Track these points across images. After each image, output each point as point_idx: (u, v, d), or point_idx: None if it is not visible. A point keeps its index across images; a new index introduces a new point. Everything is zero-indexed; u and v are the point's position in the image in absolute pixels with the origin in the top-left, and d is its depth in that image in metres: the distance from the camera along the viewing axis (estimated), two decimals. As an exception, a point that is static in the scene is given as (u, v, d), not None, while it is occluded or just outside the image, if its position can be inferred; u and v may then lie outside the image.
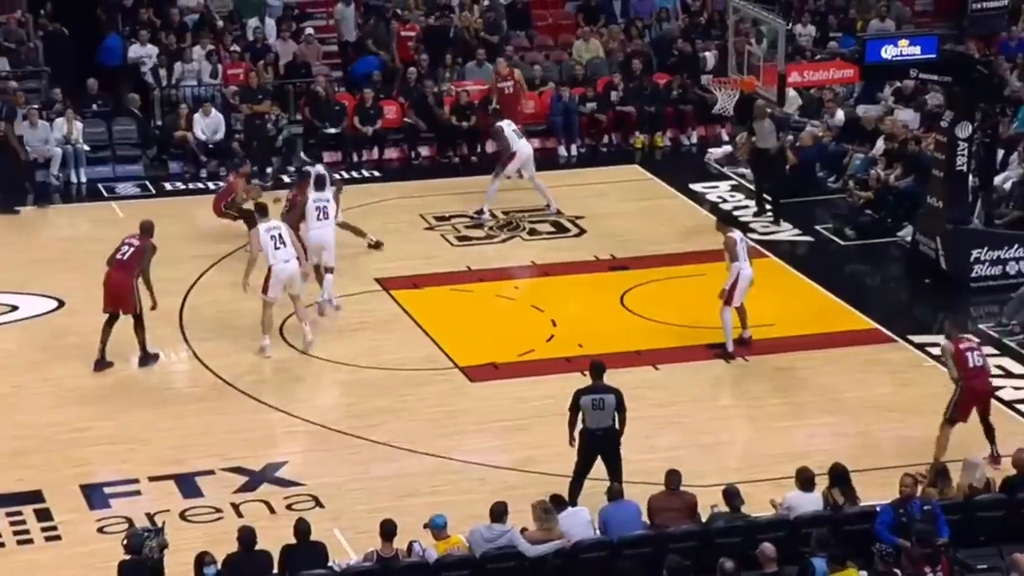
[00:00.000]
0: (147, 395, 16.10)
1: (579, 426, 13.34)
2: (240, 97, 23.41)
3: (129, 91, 23.14)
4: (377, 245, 19.66)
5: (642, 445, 14.18)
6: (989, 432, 14.17)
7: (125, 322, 16.63)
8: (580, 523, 12.16)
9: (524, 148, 20.86)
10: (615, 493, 12.52)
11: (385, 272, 19.16)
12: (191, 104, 23.60)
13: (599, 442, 13.24)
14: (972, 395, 14.00)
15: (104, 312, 16.45)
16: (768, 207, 21.40)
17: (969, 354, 14.04)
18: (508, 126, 20.98)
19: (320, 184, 17.92)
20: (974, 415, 14.23)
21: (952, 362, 14.04)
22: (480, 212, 20.80)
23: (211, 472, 14.33)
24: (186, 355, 17.03)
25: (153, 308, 16.46)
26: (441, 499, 13.66)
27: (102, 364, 16.47)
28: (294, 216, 18.00)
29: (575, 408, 13.30)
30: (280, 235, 16.68)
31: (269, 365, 16.60)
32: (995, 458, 14.04)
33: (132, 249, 16.56)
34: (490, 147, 23.98)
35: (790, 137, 22.43)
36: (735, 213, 21.36)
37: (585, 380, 15.81)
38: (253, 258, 16.79)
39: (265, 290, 16.73)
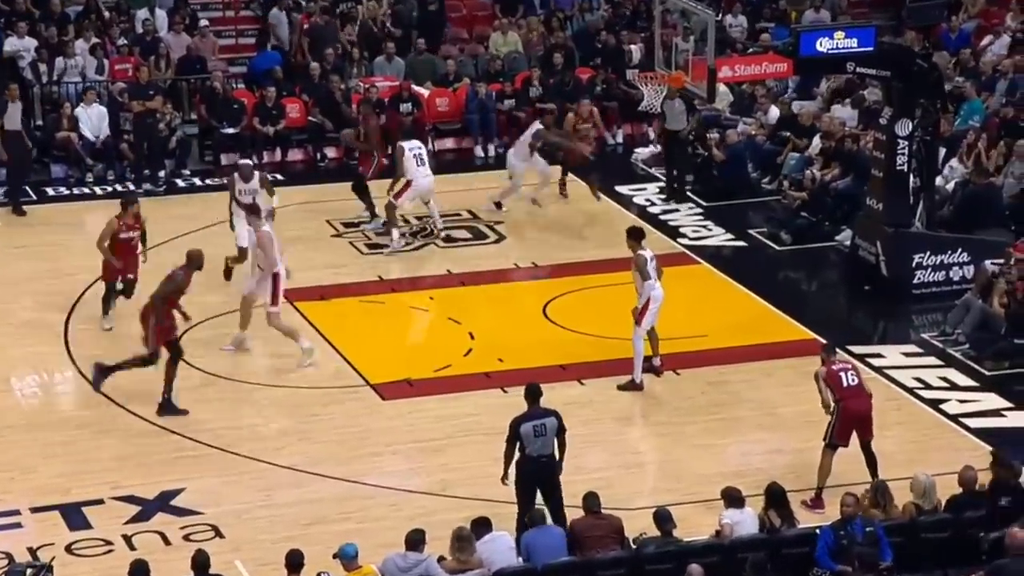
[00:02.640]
0: (28, 418, 15.93)
1: (515, 456, 13.28)
2: (129, 94, 23.21)
3: (4, 87, 22.78)
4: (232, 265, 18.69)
5: (567, 466, 14.16)
6: (871, 462, 14.19)
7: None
8: (501, 549, 12.19)
9: (423, 180, 20.14)
10: (537, 518, 12.56)
11: (289, 282, 19.06)
12: (75, 102, 23.36)
13: (542, 470, 13.20)
14: (849, 416, 14.09)
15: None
16: (677, 188, 22.00)
17: (843, 374, 14.19)
18: (411, 149, 20.24)
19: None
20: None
21: (824, 385, 14.19)
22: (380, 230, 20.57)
23: (100, 501, 14.21)
24: (72, 374, 16.87)
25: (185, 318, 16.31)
26: (352, 526, 13.65)
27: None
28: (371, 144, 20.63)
29: (513, 439, 13.22)
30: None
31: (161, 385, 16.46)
32: (818, 499, 14.01)
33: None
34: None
35: (715, 134, 22.69)
36: (663, 217, 21.60)
37: (506, 398, 15.97)
38: (271, 267, 16.80)
39: (276, 301, 16.79)
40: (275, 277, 16.83)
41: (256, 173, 18.71)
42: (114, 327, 17.58)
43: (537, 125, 21.48)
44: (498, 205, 21.41)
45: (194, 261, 16.14)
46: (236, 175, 18.64)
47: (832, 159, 21.61)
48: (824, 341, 15.63)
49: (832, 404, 14.13)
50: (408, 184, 20.04)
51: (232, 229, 18.57)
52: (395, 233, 20.15)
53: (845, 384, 14.15)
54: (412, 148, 20.19)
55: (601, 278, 19.07)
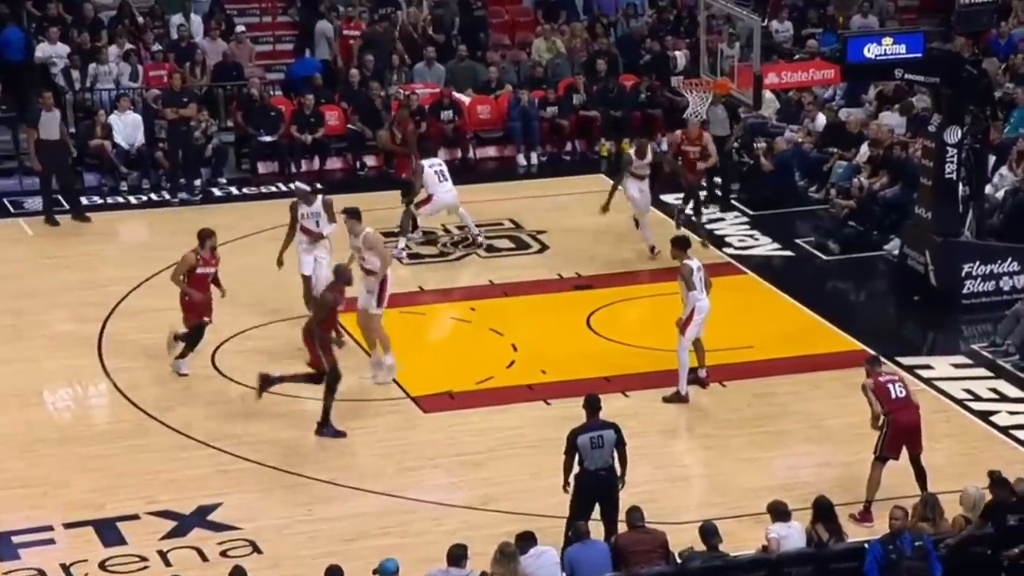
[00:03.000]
0: (62, 432, 16.02)
1: (575, 469, 13.34)
2: (163, 101, 23.37)
3: (37, 94, 22.47)
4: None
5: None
6: (920, 475, 14.19)
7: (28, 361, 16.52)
8: (547, 565, 12.24)
9: (444, 195, 20.31)
10: (580, 532, 12.62)
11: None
12: (108, 109, 23.53)
13: (601, 483, 13.28)
14: (899, 429, 14.11)
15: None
16: (721, 194, 22.10)
17: (891, 385, 14.20)
18: (431, 165, 20.38)
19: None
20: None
21: (873, 397, 14.18)
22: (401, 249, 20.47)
23: (135, 516, 14.28)
24: (106, 387, 16.97)
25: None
26: (392, 541, 13.73)
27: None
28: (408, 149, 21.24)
29: (571, 451, 13.29)
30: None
31: (200, 397, 16.59)
32: (867, 513, 13.97)
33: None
34: (442, 156, 24.13)
35: (763, 144, 22.74)
36: (709, 227, 21.64)
37: (549, 410, 16.08)
38: (387, 265, 16.93)
39: (381, 303, 16.84)
40: (384, 279, 16.89)
41: (319, 197, 18.11)
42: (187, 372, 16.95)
43: (629, 151, 20.92)
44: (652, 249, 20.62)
45: (341, 276, 16.07)
46: (298, 200, 18.05)
47: (880, 167, 21.63)
48: (871, 352, 15.62)
49: (882, 417, 14.17)
50: (429, 197, 20.20)
51: (279, 265, 17.90)
52: (401, 241, 20.31)
53: (894, 396, 14.18)
54: (432, 164, 20.40)
55: (646, 288, 19.15)
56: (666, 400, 16.43)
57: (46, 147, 21.58)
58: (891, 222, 20.76)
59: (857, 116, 23.53)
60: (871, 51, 17.98)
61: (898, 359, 17.17)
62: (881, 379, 14.29)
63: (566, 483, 13.36)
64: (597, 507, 13.34)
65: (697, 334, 16.45)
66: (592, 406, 13.55)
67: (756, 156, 22.60)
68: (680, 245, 16.66)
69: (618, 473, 13.37)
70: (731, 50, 18.28)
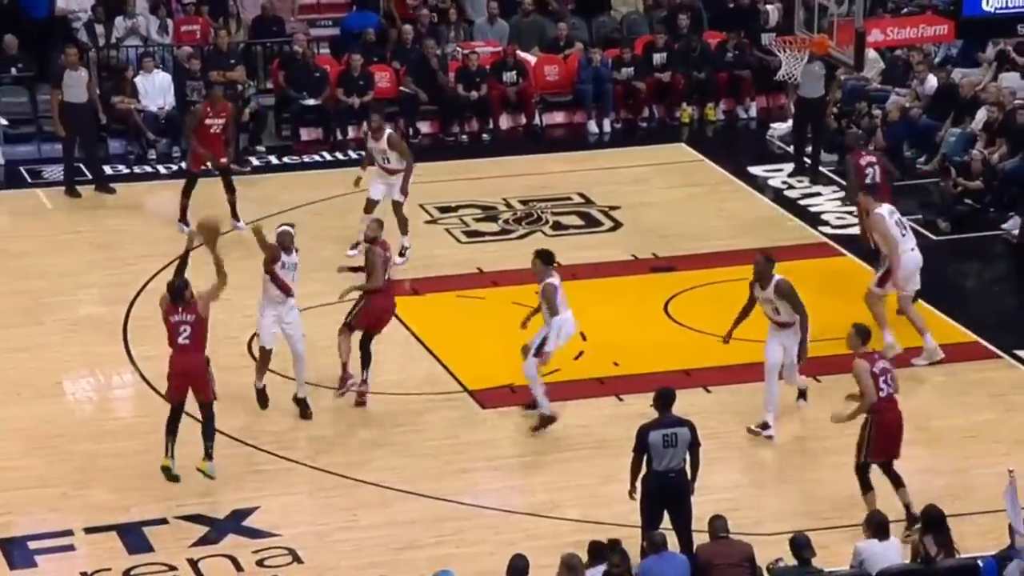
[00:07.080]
0: (83, 427, 16.15)
1: (642, 470, 13.38)
2: (209, 63, 23.37)
3: (58, 52, 22.44)
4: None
5: (693, 485, 14.32)
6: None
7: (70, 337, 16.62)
8: (617, 580, 12.32)
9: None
10: (656, 543, 12.63)
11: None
12: (136, 68, 23.66)
13: (670, 486, 13.33)
14: None
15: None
16: (811, 166, 21.90)
17: None
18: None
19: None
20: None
21: None
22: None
23: (163, 521, 14.43)
24: (132, 378, 17.12)
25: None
26: (447, 551, 13.82)
27: None
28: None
29: (641, 449, 13.35)
30: None
31: (235, 390, 16.68)
32: None
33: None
34: (504, 122, 24.22)
35: (877, 112, 22.57)
36: (803, 202, 21.56)
37: (622, 407, 16.10)
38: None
39: (884, 282, 17.12)
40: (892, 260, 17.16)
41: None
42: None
43: None
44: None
45: None
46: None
47: (998, 135, 21.47)
48: (989, 346, 15.23)
49: None
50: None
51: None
52: (405, 239, 19.51)
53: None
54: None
55: (731, 272, 19.06)
56: (533, 429, 15.91)
57: (71, 110, 21.64)
58: (1010, 197, 20.61)
59: (972, 78, 23.34)
60: (990, 3, 17.87)
61: (1017, 352, 17.03)
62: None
63: (633, 488, 13.39)
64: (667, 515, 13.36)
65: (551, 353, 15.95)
66: (664, 400, 13.58)
67: (857, 123, 22.40)
68: (545, 259, 15.88)
69: (688, 477, 13.39)
70: (830, 2, 18.18)
